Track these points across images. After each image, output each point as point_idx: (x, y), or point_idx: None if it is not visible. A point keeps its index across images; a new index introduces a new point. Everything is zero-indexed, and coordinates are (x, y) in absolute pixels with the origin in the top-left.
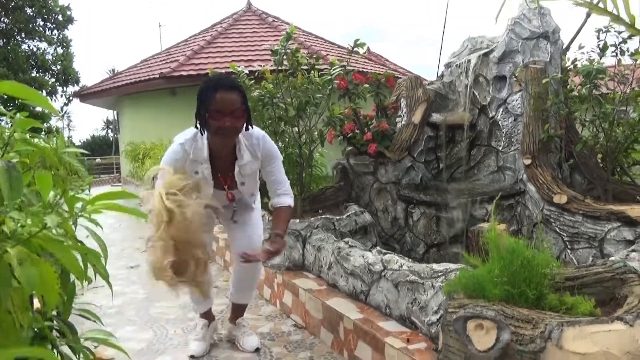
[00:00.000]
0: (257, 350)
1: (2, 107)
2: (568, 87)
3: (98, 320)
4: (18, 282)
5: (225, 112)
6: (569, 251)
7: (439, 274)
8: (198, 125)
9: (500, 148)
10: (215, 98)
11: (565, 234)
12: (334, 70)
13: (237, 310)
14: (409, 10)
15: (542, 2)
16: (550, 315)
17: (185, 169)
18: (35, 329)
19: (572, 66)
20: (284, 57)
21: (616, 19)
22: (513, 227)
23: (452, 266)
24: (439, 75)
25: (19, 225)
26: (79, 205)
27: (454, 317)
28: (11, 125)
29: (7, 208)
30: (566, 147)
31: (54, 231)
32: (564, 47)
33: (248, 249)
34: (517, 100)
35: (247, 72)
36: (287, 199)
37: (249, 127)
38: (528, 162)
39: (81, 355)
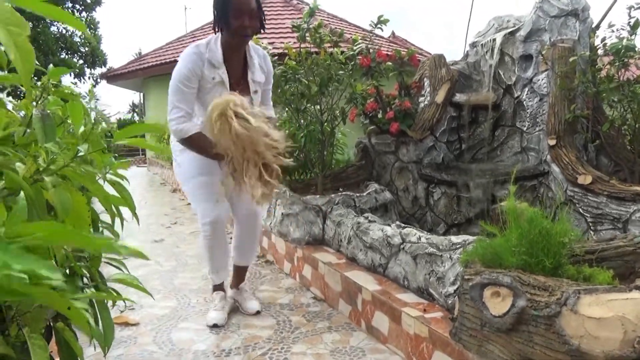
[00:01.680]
0: (257, 312)
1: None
2: (596, 66)
3: (124, 267)
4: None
5: (244, 11)
6: (592, 232)
7: (457, 246)
8: (217, 28)
9: (524, 129)
10: (234, 0)
11: (588, 215)
12: (357, 45)
13: (240, 275)
14: None
15: None
16: (567, 282)
17: (204, 75)
18: (67, 268)
19: (601, 45)
20: (307, 33)
21: None
22: (535, 209)
23: (470, 238)
24: (463, 55)
25: (54, 157)
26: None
27: (470, 284)
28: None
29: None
30: (592, 128)
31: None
32: (594, 25)
33: (249, 210)
34: (543, 80)
35: (275, 57)
36: (273, 113)
37: (263, 29)
38: (553, 142)
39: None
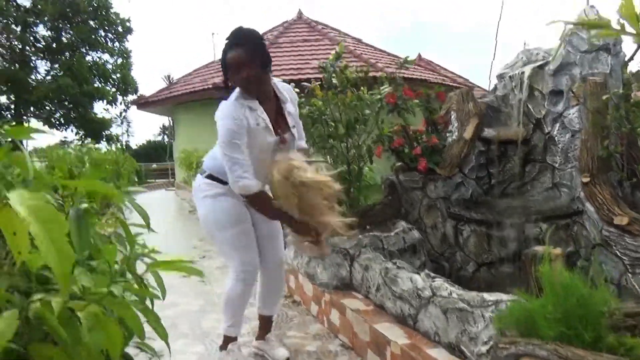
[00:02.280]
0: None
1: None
2: (631, 101)
3: (155, 355)
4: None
5: (239, 65)
6: (629, 275)
7: (490, 304)
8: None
9: (556, 164)
10: (227, 59)
11: (626, 258)
12: (383, 89)
13: (266, 325)
14: (462, 6)
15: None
16: (607, 357)
17: (249, 123)
18: None
19: (635, 79)
20: (333, 75)
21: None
22: (570, 249)
23: (504, 297)
24: (491, 88)
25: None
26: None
27: (504, 353)
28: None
29: (78, 273)
30: (628, 165)
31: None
32: (627, 59)
33: (280, 259)
34: (574, 115)
35: (297, 90)
36: (304, 143)
37: (269, 70)
38: (586, 180)
39: None
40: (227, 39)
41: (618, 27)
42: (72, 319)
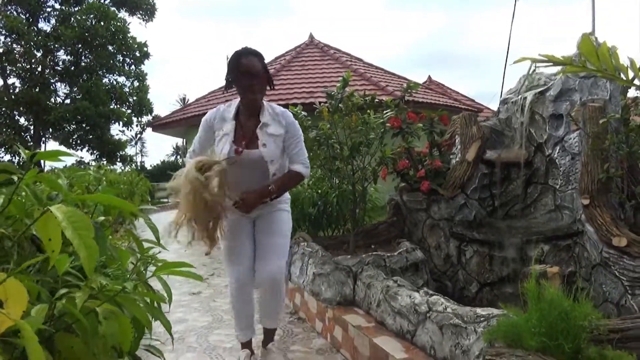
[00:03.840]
0: None
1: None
2: (630, 125)
3: (162, 356)
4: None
5: (250, 73)
6: (629, 296)
7: (482, 319)
8: (227, 89)
9: (557, 186)
10: (240, 62)
11: (625, 278)
12: (386, 114)
13: (267, 335)
14: (474, 32)
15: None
16: None
17: (214, 127)
18: None
19: (633, 104)
20: (340, 102)
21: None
22: (570, 269)
23: (495, 311)
24: (495, 111)
25: (105, 286)
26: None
27: None
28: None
29: (95, 273)
30: (628, 188)
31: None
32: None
33: (269, 274)
34: (574, 139)
35: (305, 114)
36: (300, 167)
37: (271, 87)
38: (587, 202)
39: None
40: (239, 50)
41: (579, 64)
42: (90, 313)
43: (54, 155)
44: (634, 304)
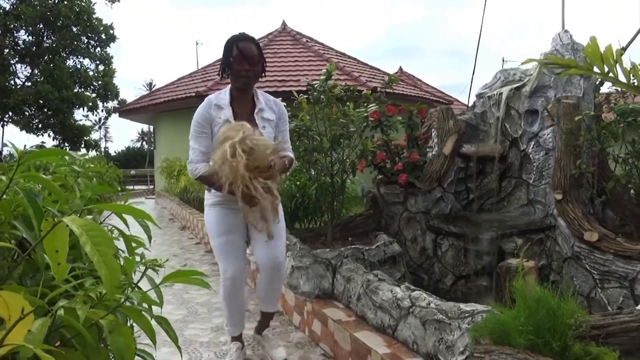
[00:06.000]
0: None
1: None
2: (601, 123)
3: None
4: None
5: (246, 56)
6: (599, 290)
7: (466, 315)
8: (223, 73)
9: (531, 181)
10: (237, 46)
11: (595, 272)
12: (370, 107)
13: (264, 320)
14: (444, 23)
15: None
16: None
17: (212, 117)
18: None
19: (605, 102)
20: (322, 94)
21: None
22: (542, 262)
23: (480, 307)
24: (470, 105)
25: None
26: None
27: None
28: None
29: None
30: (598, 183)
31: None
32: (598, 82)
33: (272, 257)
34: (548, 135)
35: (284, 104)
36: (292, 154)
37: (264, 74)
38: (559, 197)
39: None
40: (236, 35)
41: (584, 67)
42: (92, 325)
43: (54, 154)
44: (603, 296)
